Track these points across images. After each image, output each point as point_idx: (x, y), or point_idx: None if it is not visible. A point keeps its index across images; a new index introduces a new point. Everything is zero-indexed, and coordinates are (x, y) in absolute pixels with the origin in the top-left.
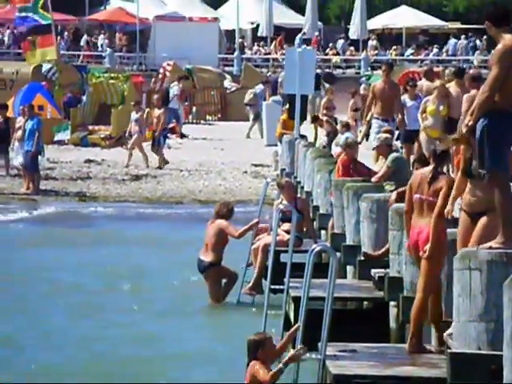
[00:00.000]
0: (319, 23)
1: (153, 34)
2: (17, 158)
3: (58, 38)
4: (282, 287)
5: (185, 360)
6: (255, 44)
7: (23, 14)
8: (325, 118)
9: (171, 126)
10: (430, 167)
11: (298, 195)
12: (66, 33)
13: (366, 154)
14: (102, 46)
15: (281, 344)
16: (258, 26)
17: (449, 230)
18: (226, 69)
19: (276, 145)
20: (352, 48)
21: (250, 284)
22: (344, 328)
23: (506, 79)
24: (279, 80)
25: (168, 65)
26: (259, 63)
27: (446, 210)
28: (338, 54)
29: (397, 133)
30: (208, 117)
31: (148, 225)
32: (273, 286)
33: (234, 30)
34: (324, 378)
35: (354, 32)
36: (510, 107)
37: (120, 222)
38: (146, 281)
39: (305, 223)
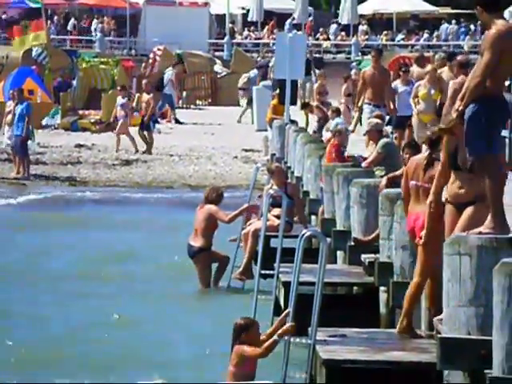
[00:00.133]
0: (310, 8)
1: (143, 19)
2: (6, 142)
3: (48, 22)
4: (272, 272)
5: (173, 344)
6: (245, 29)
7: None
8: (315, 104)
9: (164, 110)
10: (426, 153)
11: (288, 180)
12: (55, 17)
13: (358, 141)
14: (95, 30)
15: (270, 330)
16: (248, 10)
17: None
18: (217, 54)
19: (266, 130)
20: (343, 33)
21: (240, 269)
22: (334, 313)
23: (497, 65)
24: (270, 65)
25: (158, 49)
26: (249, 48)
27: (428, 201)
28: (328, 38)
29: (387, 118)
30: (198, 102)
31: (137, 209)
32: (263, 271)
33: (224, 15)
34: (314, 363)
35: (344, 17)
36: (500, 93)
37: (109, 206)
38: (134, 265)
39: (295, 208)
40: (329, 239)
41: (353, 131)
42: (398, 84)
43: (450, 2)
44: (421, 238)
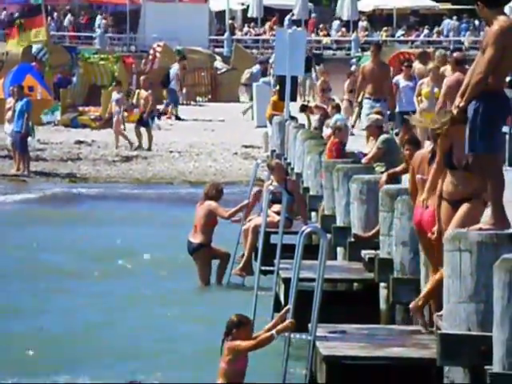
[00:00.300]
0: (310, 4)
1: (143, 15)
2: (7, 139)
3: (49, 18)
4: (272, 268)
5: (172, 341)
6: (245, 25)
7: None
8: (313, 104)
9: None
10: (430, 147)
11: (288, 177)
12: (55, 13)
13: (358, 137)
14: (99, 26)
15: (269, 326)
16: (248, 6)
17: None
18: (217, 50)
19: (266, 126)
20: (343, 29)
21: (240, 265)
22: (334, 309)
23: (500, 61)
24: (270, 61)
25: (158, 46)
26: (249, 44)
27: (421, 198)
28: (328, 35)
29: (388, 113)
30: (198, 98)
31: (137, 205)
32: (263, 268)
33: (224, 11)
34: (314, 360)
35: (343, 13)
36: (502, 89)
37: (109, 202)
38: (134, 261)
39: (295, 204)
40: (329, 235)
41: (353, 126)
42: (400, 79)
43: None
44: (433, 234)
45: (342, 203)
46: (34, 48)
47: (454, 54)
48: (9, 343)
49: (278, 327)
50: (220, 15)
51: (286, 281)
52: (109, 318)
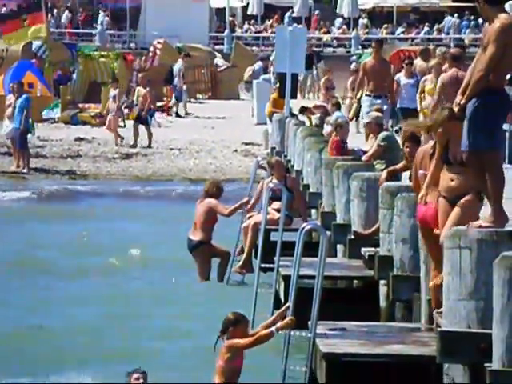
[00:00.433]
0: (310, 1)
1: (143, 12)
2: (7, 136)
3: (49, 15)
4: (272, 266)
5: (170, 338)
6: (245, 22)
7: None
8: (312, 105)
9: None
10: (432, 143)
11: (288, 174)
12: (55, 10)
13: (357, 134)
14: (101, 23)
15: (268, 322)
16: (248, 4)
17: None
18: (217, 47)
19: (266, 123)
20: (344, 27)
21: (240, 263)
22: (334, 306)
23: (501, 58)
24: (271, 59)
25: (158, 43)
26: (250, 41)
27: (420, 196)
28: (328, 32)
29: (388, 108)
30: (198, 95)
31: (137, 202)
32: (263, 265)
33: (224, 8)
34: (314, 357)
35: (344, 10)
36: (502, 87)
37: (108, 198)
38: (133, 258)
39: (295, 202)
40: (329, 232)
41: (350, 120)
42: (401, 76)
43: None
44: (439, 229)
45: (342, 200)
46: (34, 45)
47: (451, 50)
48: (7, 341)
49: (278, 324)
50: (220, 12)
51: (286, 278)
52: (108, 316)
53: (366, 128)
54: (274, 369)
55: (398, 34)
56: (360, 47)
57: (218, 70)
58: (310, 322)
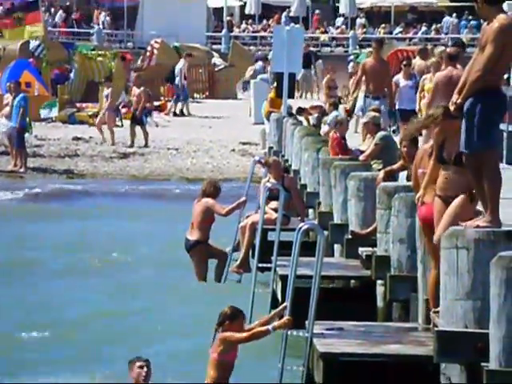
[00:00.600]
0: (307, 0)
1: (140, 12)
2: (4, 135)
3: (46, 14)
4: (269, 265)
5: (166, 337)
6: (243, 22)
7: None
8: (308, 106)
9: (161, 103)
10: (431, 142)
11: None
12: (52, 9)
13: (354, 134)
14: (103, 23)
15: (265, 319)
16: (245, 3)
17: None
18: (214, 47)
19: (263, 123)
20: (343, 26)
21: (238, 262)
22: (331, 306)
23: (498, 58)
24: (268, 58)
25: (156, 42)
26: (247, 41)
27: (417, 196)
28: (325, 32)
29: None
30: (196, 95)
31: (134, 202)
32: (260, 265)
33: (222, 8)
34: (311, 356)
35: (342, 10)
36: (499, 86)
37: (105, 198)
38: (129, 259)
39: (293, 201)
40: (326, 232)
41: (347, 111)
42: (399, 78)
43: None
44: None
45: (340, 200)
46: (32, 44)
47: (448, 49)
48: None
49: (275, 324)
50: (218, 12)
51: (284, 278)
52: (107, 315)
53: (363, 128)
54: (270, 368)
55: (396, 34)
56: (358, 47)
57: (216, 69)
58: (307, 322)
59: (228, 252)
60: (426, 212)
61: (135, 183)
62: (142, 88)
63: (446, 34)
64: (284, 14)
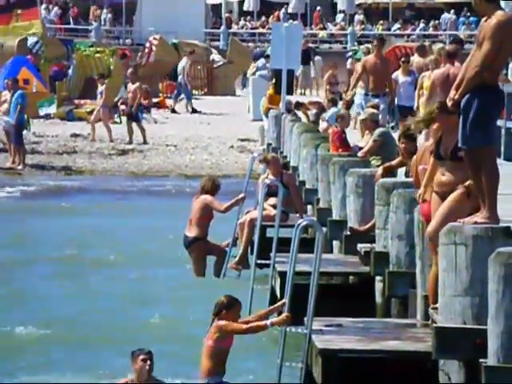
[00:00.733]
0: None
1: (139, 8)
2: (2, 132)
3: (44, 11)
4: (268, 262)
5: (165, 333)
6: (242, 18)
7: None
8: (307, 101)
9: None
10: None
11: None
12: (50, 6)
13: (352, 130)
14: (104, 20)
15: (263, 312)
16: (244, 0)
17: None
18: (213, 43)
19: (262, 119)
20: (343, 23)
21: (236, 259)
22: (330, 303)
23: (496, 55)
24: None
25: (154, 39)
26: (246, 38)
27: (418, 193)
28: (324, 28)
29: (382, 106)
30: (194, 91)
31: (133, 198)
32: (259, 261)
33: (220, 4)
34: (310, 353)
35: (339, 6)
36: (496, 83)
37: (104, 195)
38: (128, 255)
39: (291, 198)
40: (325, 229)
41: (347, 101)
42: (398, 75)
43: None
44: None
45: (338, 196)
46: (30, 41)
47: (447, 47)
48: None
49: (274, 320)
50: (216, 8)
51: (282, 274)
52: (106, 315)
53: (361, 125)
54: (269, 365)
55: (394, 31)
56: (356, 43)
57: (214, 66)
58: (305, 318)
59: (227, 245)
60: (428, 209)
61: (134, 180)
62: (137, 84)
63: (445, 30)
64: (282, 10)
